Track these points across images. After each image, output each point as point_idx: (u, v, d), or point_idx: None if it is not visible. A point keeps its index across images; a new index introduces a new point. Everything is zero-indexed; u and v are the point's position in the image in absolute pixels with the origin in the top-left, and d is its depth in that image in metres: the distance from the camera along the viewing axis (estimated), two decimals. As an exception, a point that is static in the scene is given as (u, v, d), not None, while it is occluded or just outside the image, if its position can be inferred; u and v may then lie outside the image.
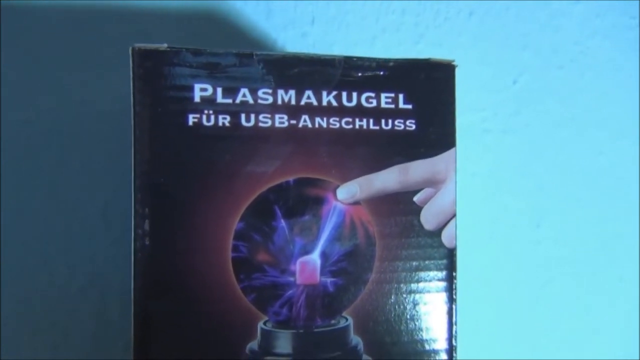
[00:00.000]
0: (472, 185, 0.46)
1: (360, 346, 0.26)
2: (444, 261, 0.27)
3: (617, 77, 0.51)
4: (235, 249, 0.24)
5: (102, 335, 0.36)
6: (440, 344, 0.27)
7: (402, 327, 0.26)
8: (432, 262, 0.27)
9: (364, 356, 0.26)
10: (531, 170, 0.48)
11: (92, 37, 0.36)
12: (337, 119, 0.26)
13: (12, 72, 0.35)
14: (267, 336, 0.25)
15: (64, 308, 0.35)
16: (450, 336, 0.27)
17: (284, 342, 0.25)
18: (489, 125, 0.46)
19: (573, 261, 0.48)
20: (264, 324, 0.25)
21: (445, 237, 0.27)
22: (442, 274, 0.27)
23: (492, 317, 0.45)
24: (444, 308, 0.27)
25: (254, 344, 0.25)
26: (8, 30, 0.35)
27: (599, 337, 0.48)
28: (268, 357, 0.25)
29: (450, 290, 0.27)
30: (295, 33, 0.42)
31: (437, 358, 0.27)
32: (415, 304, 0.26)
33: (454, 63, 0.27)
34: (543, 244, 0.48)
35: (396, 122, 0.26)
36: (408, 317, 0.26)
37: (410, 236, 0.26)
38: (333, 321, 0.25)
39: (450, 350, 0.27)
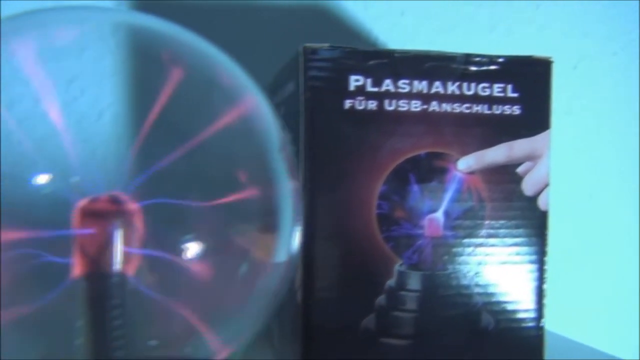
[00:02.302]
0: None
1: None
2: (539, 221, 0.33)
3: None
4: (379, 206, 0.31)
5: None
6: (533, 285, 0.33)
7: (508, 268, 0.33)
8: (529, 221, 0.33)
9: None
10: (587, 147, 0.54)
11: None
12: (459, 104, 0.32)
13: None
14: (401, 276, 0.31)
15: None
16: (541, 281, 0.33)
17: (414, 281, 0.32)
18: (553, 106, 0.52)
19: (621, 227, 0.54)
20: (400, 266, 0.31)
21: (541, 202, 0.33)
22: (536, 231, 0.33)
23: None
24: (537, 257, 0.33)
25: (391, 282, 0.31)
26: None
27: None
28: (402, 292, 0.31)
29: (543, 244, 0.33)
30: (387, 23, 0.48)
31: (530, 297, 0.33)
32: (516, 254, 0.33)
33: (550, 59, 0.33)
34: (595, 212, 0.54)
35: (505, 108, 0.32)
36: (510, 263, 0.33)
37: (513, 200, 0.33)
38: (452, 266, 0.32)
39: (540, 287, 0.33)
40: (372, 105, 0.31)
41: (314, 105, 0.30)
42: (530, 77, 0.33)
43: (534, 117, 0.33)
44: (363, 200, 0.31)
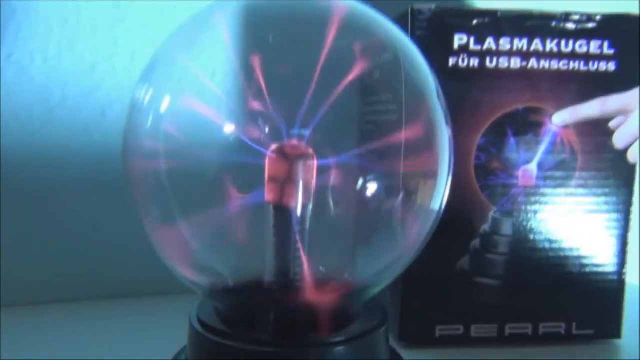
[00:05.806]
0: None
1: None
2: (628, 173, 0.35)
3: None
4: (477, 157, 0.33)
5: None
6: (618, 233, 0.36)
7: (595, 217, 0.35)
8: (619, 173, 0.35)
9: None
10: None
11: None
12: (557, 61, 0.33)
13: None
14: (496, 222, 0.34)
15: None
16: (625, 230, 0.36)
17: (507, 227, 0.34)
18: None
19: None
20: (494, 213, 0.34)
21: (630, 155, 0.35)
22: (625, 182, 0.35)
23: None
24: (624, 207, 0.35)
25: (486, 226, 0.34)
26: None
27: None
28: (495, 237, 0.34)
29: (630, 194, 0.35)
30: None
31: (614, 245, 0.36)
32: (604, 203, 0.35)
33: (648, 16, 0.34)
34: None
35: (600, 64, 0.34)
36: (598, 212, 0.35)
37: (604, 152, 0.34)
38: (542, 214, 0.35)
39: (624, 236, 0.35)
40: (475, 62, 0.33)
41: (420, 63, 0.33)
42: (627, 34, 0.34)
43: (629, 73, 0.34)
44: (462, 152, 0.33)
